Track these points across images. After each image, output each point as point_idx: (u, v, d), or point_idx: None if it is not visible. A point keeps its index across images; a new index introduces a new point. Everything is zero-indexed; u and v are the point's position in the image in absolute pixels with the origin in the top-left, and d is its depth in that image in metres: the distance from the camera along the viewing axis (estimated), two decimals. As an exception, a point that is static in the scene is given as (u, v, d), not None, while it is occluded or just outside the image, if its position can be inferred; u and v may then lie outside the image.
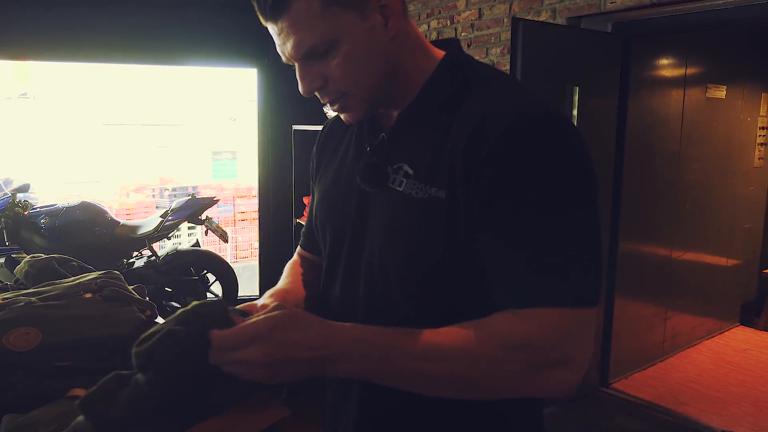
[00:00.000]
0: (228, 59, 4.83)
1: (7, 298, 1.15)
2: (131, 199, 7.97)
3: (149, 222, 4.64)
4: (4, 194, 4.33)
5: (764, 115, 4.67)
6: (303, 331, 0.74)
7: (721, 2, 2.73)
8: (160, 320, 1.04)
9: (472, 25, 3.65)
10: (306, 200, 4.38)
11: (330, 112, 0.98)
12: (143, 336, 0.76)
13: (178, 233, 6.02)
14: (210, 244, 6.18)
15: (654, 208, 3.85)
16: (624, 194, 3.46)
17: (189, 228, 6.47)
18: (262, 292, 4.95)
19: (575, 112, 3.02)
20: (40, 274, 1.35)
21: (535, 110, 0.80)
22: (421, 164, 0.85)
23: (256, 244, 5.23)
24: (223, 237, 4.66)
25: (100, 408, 0.74)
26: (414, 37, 0.89)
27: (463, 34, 3.71)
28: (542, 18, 3.21)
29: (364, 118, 0.94)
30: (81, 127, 8.94)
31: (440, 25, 3.90)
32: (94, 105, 9.11)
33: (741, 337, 4.49)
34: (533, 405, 0.93)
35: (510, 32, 3.00)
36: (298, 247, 1.18)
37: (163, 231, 4.52)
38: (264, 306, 0.83)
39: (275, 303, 0.78)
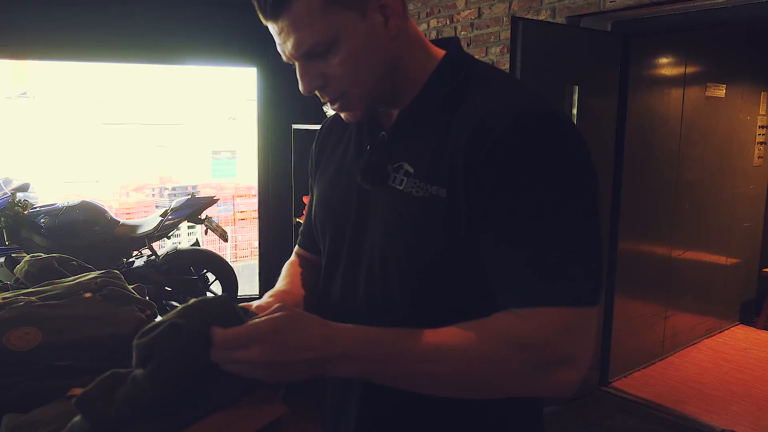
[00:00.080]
0: (228, 58, 4.83)
1: (7, 298, 1.15)
2: (131, 198, 7.97)
3: (149, 221, 4.64)
4: (4, 194, 4.33)
5: (764, 113, 4.67)
6: (304, 333, 0.74)
7: (720, 1, 2.73)
8: (160, 319, 1.03)
9: (472, 24, 3.65)
10: (305, 199, 4.38)
11: (329, 111, 0.98)
12: (145, 329, 0.76)
13: (177, 232, 6.02)
14: (210, 243, 6.19)
15: (654, 207, 3.85)
16: (624, 193, 3.47)
17: (189, 227, 6.47)
18: (261, 291, 4.97)
19: (575, 112, 3.03)
20: (40, 273, 1.35)
21: (535, 109, 0.80)
22: (422, 163, 0.85)
23: (256, 244, 5.24)
24: (223, 236, 4.66)
25: (97, 406, 0.73)
26: (414, 37, 0.89)
27: (462, 33, 3.71)
28: (542, 17, 3.21)
29: (364, 117, 0.94)
30: (80, 126, 8.94)
31: (440, 24, 3.90)
32: (93, 104, 9.11)
33: (741, 336, 4.49)
34: (534, 404, 0.93)
35: (509, 31, 3.00)
36: (297, 246, 1.17)
37: (162, 230, 4.52)
38: (265, 306, 0.83)
39: (277, 304, 0.78)
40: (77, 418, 0.76)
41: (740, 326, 4.67)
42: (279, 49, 0.86)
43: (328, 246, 0.99)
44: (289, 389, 0.80)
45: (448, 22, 3.83)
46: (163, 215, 4.57)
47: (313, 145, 1.12)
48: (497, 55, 3.51)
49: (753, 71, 4.53)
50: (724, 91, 4.24)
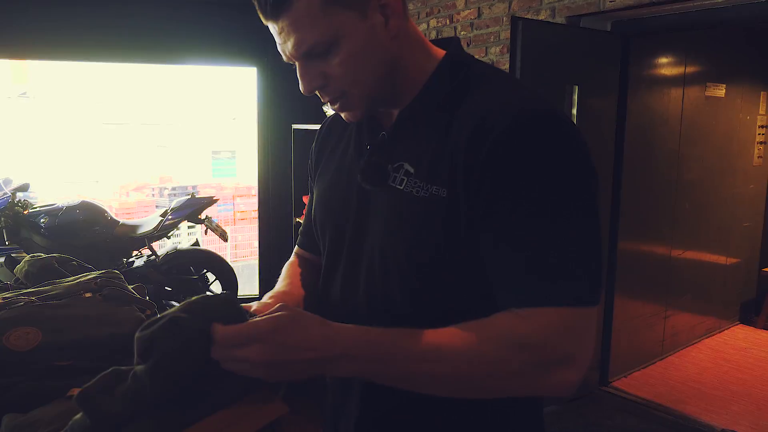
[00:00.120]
0: (228, 58, 4.83)
1: (7, 298, 1.15)
2: (131, 198, 7.97)
3: (149, 221, 4.64)
4: (4, 194, 4.33)
5: (763, 113, 4.67)
6: (304, 332, 0.74)
7: (720, 1, 2.73)
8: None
9: (472, 24, 3.65)
10: (305, 199, 4.37)
11: (329, 111, 0.98)
12: (146, 322, 0.75)
13: (177, 232, 6.01)
14: (210, 243, 6.18)
15: (653, 207, 3.86)
16: (623, 193, 3.47)
17: (189, 227, 6.46)
18: (261, 291, 4.97)
19: (575, 111, 3.03)
20: (40, 273, 1.35)
21: (535, 108, 0.80)
22: (422, 163, 0.85)
23: (256, 243, 5.23)
24: (223, 236, 4.66)
25: (98, 402, 0.73)
26: (414, 37, 0.90)
27: (462, 33, 3.71)
28: (541, 17, 3.21)
29: (364, 117, 0.94)
30: (80, 126, 8.93)
31: (439, 24, 3.90)
32: (93, 104, 9.10)
33: (740, 336, 4.49)
34: (534, 404, 0.93)
35: (509, 31, 3.00)
36: (296, 246, 1.17)
37: (162, 230, 4.52)
38: (263, 309, 0.83)
39: (278, 303, 0.78)
40: (78, 415, 0.76)
41: (740, 326, 4.67)
42: (279, 49, 0.86)
43: (328, 246, 0.99)
44: (290, 389, 0.80)
45: (447, 22, 3.83)
46: (163, 215, 4.57)
47: (313, 144, 1.12)
48: (497, 55, 3.51)
49: (753, 71, 4.53)
50: (724, 91, 4.24)
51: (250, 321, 0.74)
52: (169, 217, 4.54)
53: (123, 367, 0.77)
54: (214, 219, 4.76)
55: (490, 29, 3.54)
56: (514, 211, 0.77)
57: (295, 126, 4.42)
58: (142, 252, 4.66)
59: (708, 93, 4.12)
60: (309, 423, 0.83)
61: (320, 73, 0.85)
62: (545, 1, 3.20)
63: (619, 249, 3.53)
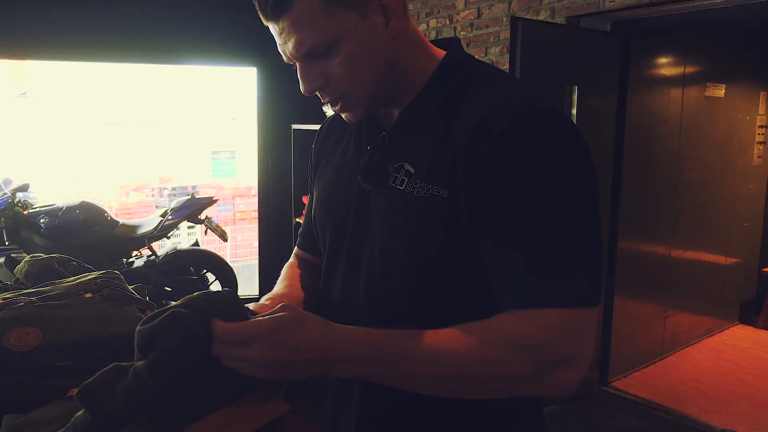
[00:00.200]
0: (228, 58, 4.83)
1: (7, 298, 1.15)
2: (131, 198, 7.97)
3: (149, 221, 4.64)
4: (4, 194, 4.33)
5: (763, 113, 4.67)
6: (306, 333, 0.74)
7: (719, 1, 2.73)
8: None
9: (471, 25, 3.65)
10: (305, 199, 4.37)
11: (329, 111, 0.98)
12: (147, 316, 0.75)
13: (177, 233, 6.02)
14: (209, 243, 6.18)
15: (653, 207, 3.86)
16: (623, 193, 3.47)
17: (189, 227, 6.47)
18: (261, 291, 4.97)
19: (574, 111, 3.03)
20: (40, 273, 1.35)
21: (535, 108, 0.80)
22: (423, 163, 0.85)
23: (256, 243, 5.23)
24: (223, 236, 4.66)
25: (99, 398, 0.73)
26: (415, 37, 0.90)
27: (462, 33, 3.71)
28: (541, 17, 3.21)
29: (365, 117, 0.94)
30: (80, 126, 8.93)
31: (439, 25, 3.90)
32: (93, 104, 9.10)
33: (740, 336, 4.49)
34: (534, 404, 0.93)
35: (509, 31, 3.00)
36: (296, 247, 1.17)
37: (162, 230, 4.52)
38: (264, 308, 0.82)
39: (280, 304, 0.78)
40: (80, 413, 0.76)
41: (740, 326, 4.67)
42: (280, 49, 0.86)
43: (329, 246, 0.99)
44: (290, 388, 0.80)
45: (447, 22, 3.83)
46: (163, 215, 4.57)
47: (313, 145, 1.12)
48: (497, 55, 3.51)
49: (752, 71, 4.53)
50: (724, 91, 4.24)
51: (251, 320, 0.74)
52: (169, 217, 4.54)
53: (123, 363, 0.77)
54: (214, 219, 4.77)
55: (489, 29, 3.54)
56: (514, 211, 0.77)
57: (295, 126, 4.42)
58: (142, 252, 4.66)
59: (708, 93, 4.13)
60: (309, 422, 0.83)
61: (321, 73, 0.85)
62: (545, 1, 3.20)
63: (619, 249, 3.53)
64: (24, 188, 4.43)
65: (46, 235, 4.29)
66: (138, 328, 0.74)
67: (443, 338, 0.78)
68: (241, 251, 7.37)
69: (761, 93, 4.62)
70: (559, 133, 0.79)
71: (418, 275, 0.86)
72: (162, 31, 4.38)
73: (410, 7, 3.99)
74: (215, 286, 4.65)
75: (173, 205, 4.71)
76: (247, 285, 5.46)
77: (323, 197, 1.02)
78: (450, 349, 0.77)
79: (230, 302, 0.76)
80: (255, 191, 5.14)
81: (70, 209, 4.43)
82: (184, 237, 6.60)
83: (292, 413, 0.79)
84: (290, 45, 0.83)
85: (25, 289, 1.28)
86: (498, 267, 0.80)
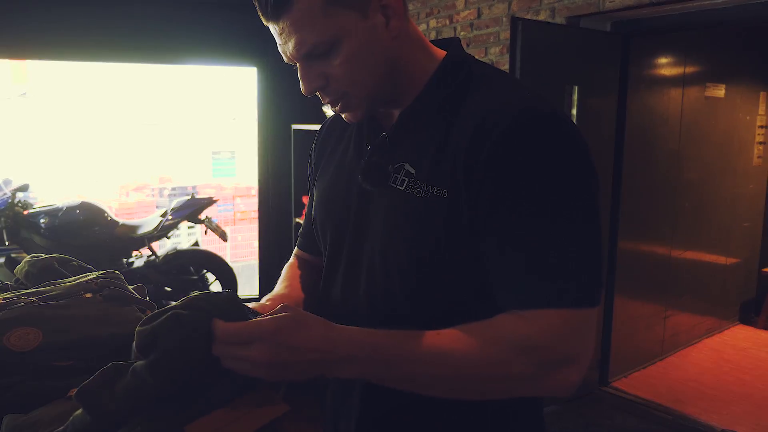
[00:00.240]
0: (228, 58, 4.83)
1: (7, 298, 1.15)
2: (131, 198, 7.98)
3: (149, 222, 4.64)
4: (4, 194, 4.33)
5: (763, 113, 4.67)
6: (307, 334, 0.74)
7: (720, 1, 2.73)
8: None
9: (471, 25, 3.65)
10: (305, 199, 4.37)
11: (329, 111, 0.98)
12: (147, 317, 0.75)
13: (177, 233, 6.02)
14: (209, 243, 6.19)
15: (653, 207, 3.86)
16: (623, 193, 3.47)
17: (189, 227, 6.47)
18: (261, 291, 4.97)
19: (574, 112, 3.03)
20: (40, 273, 1.35)
21: (535, 108, 0.80)
22: (423, 164, 0.85)
23: (256, 243, 5.24)
24: (223, 236, 4.67)
25: (98, 398, 0.73)
26: (415, 37, 0.90)
27: (462, 33, 3.71)
28: (541, 17, 3.21)
29: (365, 118, 0.94)
30: (80, 126, 8.93)
31: (439, 25, 3.90)
32: (93, 104, 9.10)
33: (740, 336, 4.49)
34: (534, 404, 0.93)
35: (509, 32, 3.00)
36: (296, 248, 1.17)
37: (162, 230, 4.53)
38: (264, 308, 0.82)
39: (281, 304, 0.78)
40: (79, 411, 0.76)
41: (740, 326, 4.67)
42: (280, 49, 0.86)
43: (329, 246, 0.99)
44: (290, 388, 0.80)
45: (447, 23, 3.83)
46: (163, 215, 4.57)
47: (313, 145, 1.12)
48: (497, 56, 3.51)
49: (752, 71, 4.53)
50: (724, 91, 4.24)
51: (252, 320, 0.74)
52: (169, 217, 4.54)
53: (122, 362, 0.77)
54: (214, 219, 4.77)
55: (489, 30, 3.54)
56: (514, 211, 0.78)
57: (295, 126, 4.42)
58: (142, 252, 4.66)
59: (708, 93, 4.13)
60: (309, 422, 0.83)
61: (321, 73, 0.85)
62: (545, 1, 3.20)
63: (619, 249, 3.53)
64: (24, 188, 4.43)
65: (46, 235, 4.30)
66: (138, 328, 0.74)
67: (444, 339, 0.78)
68: (241, 251, 7.37)
69: (761, 93, 4.62)
70: (559, 133, 0.79)
71: (418, 275, 0.86)
72: (162, 31, 4.38)
73: (410, 7, 3.98)
74: (215, 286, 4.66)
75: (173, 205, 4.72)
76: (247, 285, 5.46)
77: (323, 197, 1.02)
78: (451, 349, 0.77)
79: (231, 303, 0.76)
80: (255, 191, 5.15)
81: (70, 209, 4.44)
82: (184, 237, 6.60)
83: (292, 413, 0.79)
84: (290, 45, 0.82)
85: (26, 289, 1.28)
86: (498, 267, 0.80)
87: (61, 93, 8.93)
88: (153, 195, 8.14)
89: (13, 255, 3.91)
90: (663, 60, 3.75)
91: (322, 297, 1.01)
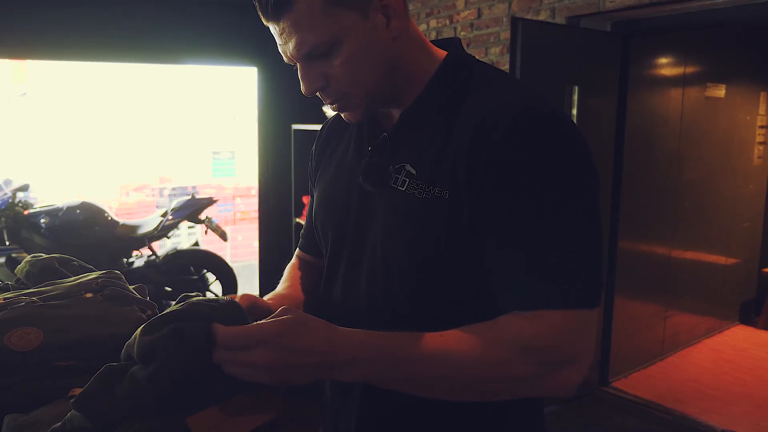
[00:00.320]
0: (228, 58, 4.83)
1: (8, 298, 1.15)
2: (131, 198, 7.98)
3: (149, 222, 4.65)
4: (4, 194, 4.34)
5: (763, 113, 4.67)
6: (310, 336, 0.73)
7: (720, 1, 2.73)
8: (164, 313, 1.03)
9: (472, 25, 3.65)
10: (305, 200, 4.38)
11: (330, 112, 0.98)
12: (148, 324, 0.74)
13: (177, 233, 6.02)
14: (209, 243, 6.19)
15: (653, 207, 3.86)
16: (623, 193, 3.47)
17: (189, 227, 6.47)
18: (261, 291, 4.97)
19: (575, 112, 3.03)
20: (41, 273, 1.35)
21: (536, 109, 0.80)
22: (424, 164, 0.85)
23: (256, 243, 5.24)
24: (223, 236, 4.67)
25: (98, 405, 0.73)
26: (415, 37, 0.89)
27: (462, 33, 3.71)
28: (541, 17, 3.21)
29: (365, 118, 0.94)
30: (80, 126, 8.94)
31: (439, 25, 3.90)
32: (93, 104, 9.11)
33: (741, 336, 4.49)
34: (534, 404, 0.93)
35: (509, 32, 3.00)
36: (297, 249, 1.17)
37: (162, 230, 4.53)
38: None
39: (282, 307, 0.77)
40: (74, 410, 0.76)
41: (740, 326, 4.66)
42: (280, 50, 0.85)
43: (330, 247, 0.99)
44: (290, 388, 0.80)
45: (447, 23, 3.83)
46: (163, 215, 4.58)
47: (313, 146, 1.12)
48: (497, 56, 3.51)
49: (752, 71, 4.53)
50: (724, 91, 4.24)
51: (254, 323, 0.73)
52: (169, 217, 4.55)
53: (115, 364, 0.76)
54: (214, 219, 4.77)
55: (490, 30, 3.54)
56: (514, 211, 0.77)
57: (295, 126, 4.42)
58: (142, 252, 4.67)
59: (708, 93, 4.13)
60: (309, 423, 0.83)
61: (321, 74, 0.85)
62: (545, 1, 3.20)
63: (619, 249, 3.53)
64: (24, 188, 4.44)
65: (46, 235, 4.30)
66: (139, 337, 0.73)
67: (446, 340, 0.77)
68: (241, 251, 7.37)
69: (761, 93, 4.62)
70: (559, 133, 0.79)
71: (418, 275, 0.86)
72: (162, 31, 4.38)
73: (410, 7, 3.97)
74: (215, 286, 4.66)
75: (173, 205, 4.72)
76: (247, 285, 5.46)
77: (324, 198, 1.02)
78: (455, 351, 0.77)
79: (232, 308, 0.75)
80: (255, 191, 5.15)
81: (70, 209, 4.44)
82: (184, 237, 6.61)
83: (292, 413, 0.79)
84: (291, 45, 0.82)
85: (26, 288, 1.28)
86: (498, 266, 0.80)
87: (61, 93, 8.94)
88: (153, 195, 8.15)
89: (13, 255, 3.91)
90: (663, 60, 3.75)
91: (322, 297, 1.01)
